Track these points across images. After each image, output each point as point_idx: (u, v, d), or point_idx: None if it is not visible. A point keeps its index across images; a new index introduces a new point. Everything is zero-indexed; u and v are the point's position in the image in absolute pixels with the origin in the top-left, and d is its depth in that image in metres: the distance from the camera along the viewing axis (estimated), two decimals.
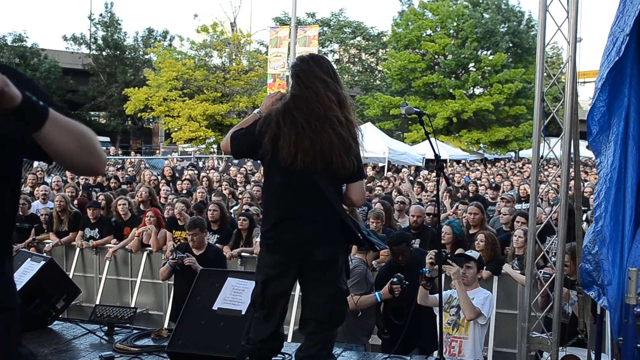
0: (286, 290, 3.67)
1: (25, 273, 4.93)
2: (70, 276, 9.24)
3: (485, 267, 6.68)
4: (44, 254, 6.92)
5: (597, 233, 3.26)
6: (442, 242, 7.26)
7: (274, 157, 3.50)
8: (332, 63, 3.60)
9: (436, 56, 40.80)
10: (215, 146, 31.13)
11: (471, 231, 7.88)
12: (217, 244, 8.02)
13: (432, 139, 3.97)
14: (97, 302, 9.00)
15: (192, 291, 4.59)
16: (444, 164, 26.09)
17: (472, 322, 4.94)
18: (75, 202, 10.56)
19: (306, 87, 3.49)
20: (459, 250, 7.18)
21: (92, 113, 50.03)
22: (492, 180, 15.42)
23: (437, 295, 4.87)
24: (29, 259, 5.08)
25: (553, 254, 5.97)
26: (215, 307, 4.41)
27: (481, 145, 40.09)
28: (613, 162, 3.34)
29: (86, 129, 1.92)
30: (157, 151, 44.55)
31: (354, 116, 3.62)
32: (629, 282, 2.83)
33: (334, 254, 3.62)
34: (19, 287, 4.69)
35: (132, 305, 8.69)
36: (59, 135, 1.82)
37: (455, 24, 39.96)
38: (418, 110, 4.00)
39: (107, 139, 45.97)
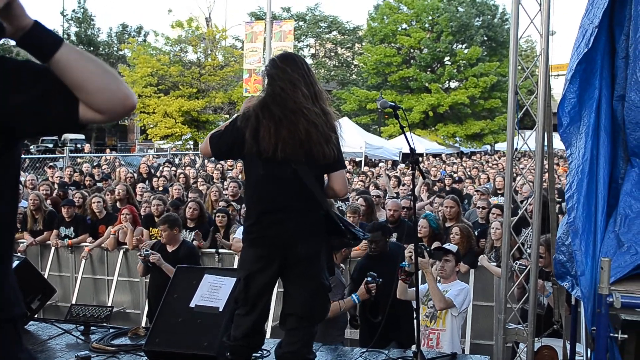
0: (269, 285, 3.67)
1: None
2: (46, 276, 9.14)
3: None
4: (19, 254, 6.82)
5: (570, 224, 3.29)
6: (419, 235, 7.29)
7: (255, 151, 3.51)
8: (307, 58, 3.65)
9: (412, 50, 41.00)
10: (191, 142, 30.95)
11: (447, 224, 7.92)
12: (194, 242, 7.98)
13: (408, 133, 3.98)
14: (74, 302, 8.91)
15: (169, 288, 4.57)
16: (420, 158, 26.25)
17: (449, 314, 4.98)
18: (49, 200, 10.41)
19: (279, 85, 3.53)
20: (436, 244, 7.24)
21: None
22: (469, 173, 15.53)
23: (414, 289, 4.92)
24: None
25: (529, 246, 6.04)
26: (192, 305, 4.38)
27: (457, 138, 40.40)
28: (584, 153, 3.38)
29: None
30: (133, 148, 44.21)
31: (332, 109, 3.66)
32: (601, 272, 2.86)
33: (316, 249, 3.63)
34: None
35: (109, 304, 8.63)
36: (78, 59, 1.70)
37: (430, 17, 40.20)
38: (393, 104, 4.01)
39: (82, 136, 45.56)
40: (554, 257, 3.94)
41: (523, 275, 5.23)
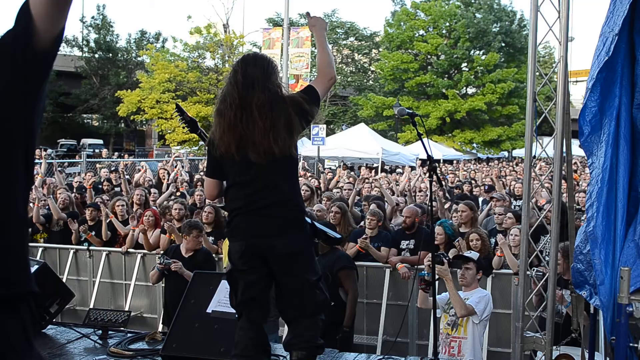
0: (256, 285, 3.66)
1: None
2: (64, 280, 9.23)
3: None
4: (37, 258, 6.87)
5: (589, 233, 3.27)
6: (436, 242, 7.27)
7: (226, 157, 3.63)
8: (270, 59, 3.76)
9: (429, 56, 40.93)
10: None
11: (462, 229, 7.88)
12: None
13: (425, 140, 3.99)
14: (91, 306, 8.97)
15: (186, 294, 4.59)
16: (437, 164, 26.16)
17: (470, 322, 4.95)
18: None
19: (244, 92, 3.61)
20: (452, 251, 7.21)
21: (84, 116, 49.99)
22: (483, 180, 15.40)
23: (437, 297, 4.92)
24: None
25: (547, 253, 5.99)
26: (209, 310, 4.41)
27: (474, 145, 40.22)
28: (604, 162, 3.36)
29: None
30: (151, 153, 44.49)
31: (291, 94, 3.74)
32: (621, 282, 2.84)
33: (296, 246, 3.64)
34: None
35: (127, 309, 8.68)
36: None
37: (447, 24, 40.11)
38: (410, 111, 4.03)
39: (100, 141, 46.00)
40: (572, 265, 3.92)
41: (541, 283, 5.19)
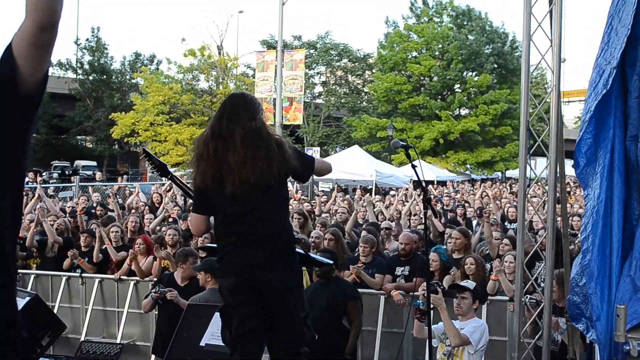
0: (250, 321, 3.65)
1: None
2: (56, 307, 9.16)
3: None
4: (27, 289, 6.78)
5: (584, 267, 3.26)
6: (431, 269, 7.23)
7: (216, 190, 3.64)
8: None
9: (422, 78, 41.14)
10: None
11: (455, 256, 7.86)
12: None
13: (419, 169, 4.01)
14: (84, 334, 8.88)
15: (180, 326, 4.55)
16: (430, 186, 26.18)
17: (465, 352, 4.92)
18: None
19: (224, 123, 3.68)
20: (447, 278, 7.17)
21: (78, 137, 49.91)
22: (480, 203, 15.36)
23: (433, 327, 4.89)
24: None
25: (542, 280, 5.97)
26: (202, 343, 4.36)
27: (468, 166, 40.30)
28: (600, 194, 3.36)
29: None
30: (145, 175, 44.40)
31: (275, 135, 3.79)
32: (617, 320, 2.82)
33: (290, 280, 3.67)
34: None
35: (119, 337, 8.59)
36: None
37: (440, 45, 40.35)
38: (404, 144, 4.04)
39: (94, 163, 45.88)
40: (567, 298, 3.90)
41: (537, 312, 5.16)
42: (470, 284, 5.31)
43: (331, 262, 5.33)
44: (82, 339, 8.82)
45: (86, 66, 45.26)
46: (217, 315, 4.53)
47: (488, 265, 7.73)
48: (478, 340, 4.90)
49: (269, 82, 23.36)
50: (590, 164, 3.50)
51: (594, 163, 3.48)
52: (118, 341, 8.54)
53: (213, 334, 4.38)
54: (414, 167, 4.03)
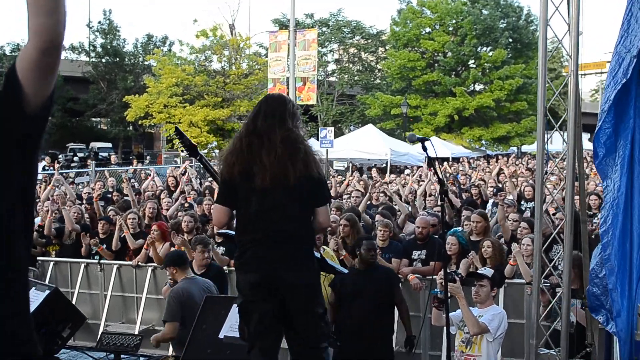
0: (267, 318, 3.67)
1: (30, 303, 4.90)
2: (75, 293, 9.27)
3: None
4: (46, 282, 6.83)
5: (605, 260, 3.22)
6: (449, 253, 7.22)
7: (243, 184, 3.66)
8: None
9: (436, 54, 40.79)
10: (217, 151, 31.07)
11: (473, 238, 7.82)
12: (224, 256, 8.00)
13: (436, 164, 3.98)
14: (103, 319, 8.99)
15: (198, 319, 4.57)
16: (445, 163, 26.05)
17: (484, 339, 4.90)
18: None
19: (260, 122, 3.73)
20: (464, 261, 7.15)
21: (93, 120, 50.15)
22: (496, 182, 15.24)
23: (451, 314, 4.88)
24: (34, 287, 5.05)
25: (558, 263, 5.93)
26: (221, 336, 4.38)
27: (483, 142, 40.04)
28: (620, 186, 3.30)
29: None
30: (160, 156, 44.61)
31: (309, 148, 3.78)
32: (637, 319, 2.79)
33: (308, 279, 3.70)
34: None
35: (138, 322, 8.68)
36: None
37: (454, 21, 39.91)
38: (421, 137, 4.01)
39: (109, 144, 46.14)
40: (587, 288, 3.87)
41: (555, 300, 5.13)
42: (488, 271, 5.27)
43: (346, 270, 5.35)
44: (102, 324, 8.95)
45: (99, 49, 45.30)
46: (234, 307, 4.55)
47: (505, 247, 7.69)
48: (497, 328, 4.87)
49: (282, 62, 23.24)
50: (609, 154, 3.44)
51: (614, 154, 3.43)
52: (137, 327, 8.65)
53: (231, 326, 4.39)
54: (430, 159, 3.99)
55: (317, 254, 3.83)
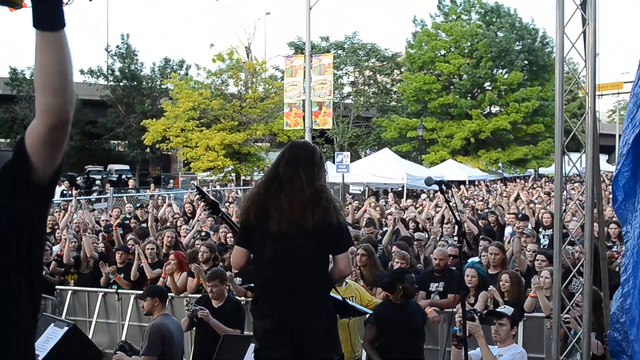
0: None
1: (48, 340, 4.95)
2: (94, 322, 9.30)
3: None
4: (64, 318, 6.88)
5: (626, 311, 3.18)
6: (469, 285, 7.17)
7: (259, 227, 3.69)
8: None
9: (451, 76, 40.82)
10: (233, 175, 31.21)
11: (491, 271, 7.77)
12: (242, 286, 7.99)
13: (452, 207, 3.98)
14: None
15: (216, 357, 4.57)
16: (462, 186, 25.95)
17: None
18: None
19: (282, 167, 3.77)
20: (483, 294, 7.09)
21: (111, 142, 50.64)
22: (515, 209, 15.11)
23: (470, 352, 4.83)
24: (52, 324, 5.10)
25: (578, 299, 5.86)
26: None
27: (500, 164, 39.89)
28: None
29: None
30: (177, 180, 44.87)
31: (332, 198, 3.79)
32: None
33: (324, 327, 3.68)
34: (42, 355, 4.71)
35: None
36: (66, 46, 1.77)
37: (469, 43, 39.98)
38: (439, 179, 4.03)
39: (127, 167, 46.55)
40: (607, 333, 3.82)
41: (576, 338, 5.08)
42: (508, 309, 5.23)
43: (370, 312, 5.28)
44: None
45: (117, 73, 45.85)
46: (252, 346, 4.55)
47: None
48: None
49: (298, 86, 23.35)
50: (629, 198, 3.42)
51: (633, 198, 3.40)
52: None
53: None
54: (448, 203, 3.99)
55: (338, 297, 3.81)
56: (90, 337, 8.98)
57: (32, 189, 1.86)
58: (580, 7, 4.76)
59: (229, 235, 10.42)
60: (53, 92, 1.76)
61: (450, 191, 4.10)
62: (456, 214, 3.84)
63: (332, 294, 3.83)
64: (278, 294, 3.62)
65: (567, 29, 4.83)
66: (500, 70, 41.06)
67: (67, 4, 9.36)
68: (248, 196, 3.78)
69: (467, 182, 30.02)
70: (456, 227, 3.93)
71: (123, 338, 9.12)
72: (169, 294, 8.80)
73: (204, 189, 17.86)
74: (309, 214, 3.54)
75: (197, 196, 4.74)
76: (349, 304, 3.95)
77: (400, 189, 25.00)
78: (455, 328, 4.93)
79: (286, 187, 3.63)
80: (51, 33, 1.74)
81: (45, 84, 1.76)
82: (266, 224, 3.61)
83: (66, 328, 5.01)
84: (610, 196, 16.46)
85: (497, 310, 5.23)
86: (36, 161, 1.82)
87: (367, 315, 5.85)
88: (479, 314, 4.91)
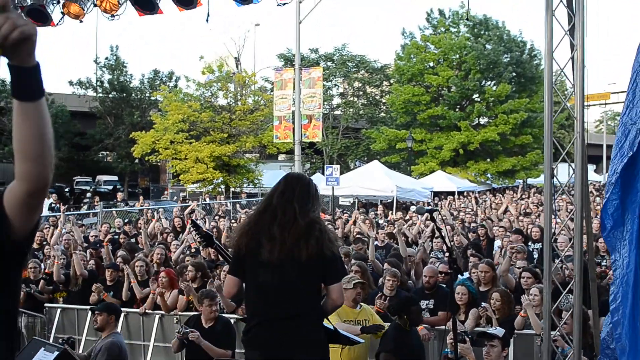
0: None
1: None
2: (83, 341, 9.24)
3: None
4: (60, 340, 6.86)
5: (616, 340, 3.22)
6: (459, 302, 7.19)
7: (251, 256, 3.69)
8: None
9: (440, 88, 41.03)
10: (223, 187, 31.15)
11: (482, 289, 7.79)
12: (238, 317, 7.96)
13: (444, 234, 4.00)
14: None
15: None
16: (450, 197, 26.07)
17: None
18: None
19: (276, 197, 3.79)
20: (473, 311, 7.10)
21: (100, 154, 50.50)
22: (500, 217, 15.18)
23: None
24: (42, 348, 5.08)
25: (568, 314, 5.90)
26: None
27: (489, 175, 40.08)
28: (629, 262, 3.31)
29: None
30: (166, 190, 44.75)
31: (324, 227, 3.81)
32: None
33: (313, 356, 3.68)
34: None
35: None
36: (45, 115, 1.79)
37: (457, 56, 40.21)
38: (429, 208, 4.07)
39: (115, 177, 46.45)
40: (598, 358, 3.85)
41: (567, 358, 5.10)
42: (499, 331, 5.26)
43: (362, 341, 5.25)
44: None
45: (106, 84, 45.84)
46: None
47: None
48: None
49: (287, 99, 23.42)
50: (617, 227, 3.46)
51: (622, 227, 3.44)
52: None
53: None
54: (439, 230, 4.02)
55: (330, 327, 3.81)
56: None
57: (7, 245, 1.90)
58: (568, 33, 4.83)
59: None
60: (32, 160, 1.78)
61: (439, 215, 4.11)
62: (447, 240, 3.86)
63: (324, 323, 3.83)
64: (268, 327, 3.61)
65: (556, 54, 4.89)
66: (489, 82, 41.31)
67: (57, 24, 9.31)
68: (240, 225, 3.80)
69: (456, 193, 30.14)
70: (447, 254, 3.92)
71: None
72: (159, 311, 8.80)
73: (194, 203, 17.82)
74: (302, 245, 3.55)
75: (192, 230, 4.76)
76: (340, 334, 3.95)
77: (389, 200, 25.03)
78: (446, 350, 4.96)
79: (279, 216, 3.64)
80: (30, 103, 1.75)
81: (24, 152, 1.78)
82: (257, 253, 3.61)
83: (56, 352, 4.99)
84: (598, 208, 16.58)
85: (488, 332, 5.25)
86: (14, 220, 1.86)
87: (381, 345, 5.86)
88: (469, 336, 4.93)
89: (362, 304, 6.15)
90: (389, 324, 7.38)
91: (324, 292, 3.80)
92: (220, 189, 31.07)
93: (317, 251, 3.58)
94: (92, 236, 13.14)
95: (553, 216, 6.21)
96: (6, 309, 1.97)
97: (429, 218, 4.26)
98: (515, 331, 7.04)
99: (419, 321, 6.01)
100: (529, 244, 11.55)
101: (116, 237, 13.46)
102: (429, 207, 4.13)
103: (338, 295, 3.76)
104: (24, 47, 1.68)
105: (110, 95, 45.88)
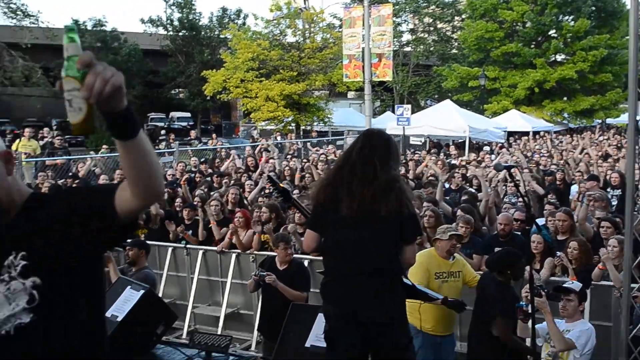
0: (350, 345, 3.68)
1: (126, 301, 5.17)
2: (164, 275, 9.65)
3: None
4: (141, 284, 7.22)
5: None
6: (535, 252, 7.11)
7: (330, 211, 3.71)
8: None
9: (514, 24, 39.43)
10: (293, 125, 31.31)
11: (559, 237, 7.64)
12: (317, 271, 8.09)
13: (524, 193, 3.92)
14: (191, 301, 9.32)
15: (285, 326, 4.71)
16: (527, 137, 25.38)
17: (571, 355, 4.82)
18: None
19: (356, 153, 3.76)
20: (548, 261, 6.99)
21: (173, 92, 51.50)
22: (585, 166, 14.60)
23: (537, 326, 4.77)
24: (129, 286, 5.31)
25: None
26: (307, 344, 4.49)
27: (565, 115, 38.69)
28: None
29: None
30: (237, 128, 45.42)
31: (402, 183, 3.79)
32: None
33: (390, 313, 3.69)
34: (121, 317, 4.98)
35: (224, 305, 8.95)
36: (148, 143, 1.96)
37: None
38: (507, 165, 3.99)
39: (188, 114, 47.46)
40: None
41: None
42: (576, 285, 5.16)
43: (441, 297, 5.16)
44: (190, 306, 9.31)
45: (176, 22, 46.25)
46: (320, 315, 4.66)
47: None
48: (584, 345, 4.78)
49: (357, 38, 23.10)
50: None
51: None
52: (223, 309, 8.94)
53: (317, 336, 4.49)
54: (517, 187, 3.94)
55: (407, 282, 3.83)
56: (161, 288, 9.38)
57: (114, 231, 2.11)
58: None
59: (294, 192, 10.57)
60: (141, 186, 1.97)
61: (518, 173, 4.01)
62: (526, 199, 3.80)
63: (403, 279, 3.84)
64: (343, 283, 3.65)
65: None
66: (566, 17, 39.30)
67: None
68: (319, 180, 3.83)
69: (531, 133, 29.35)
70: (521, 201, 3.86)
71: (193, 290, 9.47)
72: (236, 250, 9.08)
73: (266, 140, 18.10)
74: (382, 201, 3.55)
75: (269, 183, 4.84)
76: (418, 290, 3.97)
77: (461, 141, 24.60)
78: (522, 303, 4.92)
79: (358, 172, 3.62)
80: (128, 141, 1.90)
81: (131, 178, 1.97)
82: (337, 207, 3.62)
83: (142, 291, 5.21)
84: None
85: (565, 286, 5.16)
86: (122, 214, 2.05)
87: (488, 309, 5.63)
88: (545, 290, 4.87)
89: (455, 254, 6.10)
90: None
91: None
92: (290, 127, 31.25)
93: (396, 208, 3.57)
94: (169, 175, 13.48)
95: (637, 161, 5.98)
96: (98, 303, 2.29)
97: (507, 175, 4.16)
98: (592, 282, 6.92)
99: (519, 278, 5.65)
100: (608, 189, 11.16)
101: (192, 175, 13.78)
102: (507, 164, 4.02)
103: (411, 254, 3.76)
104: (115, 96, 1.80)
105: (180, 34, 46.34)
